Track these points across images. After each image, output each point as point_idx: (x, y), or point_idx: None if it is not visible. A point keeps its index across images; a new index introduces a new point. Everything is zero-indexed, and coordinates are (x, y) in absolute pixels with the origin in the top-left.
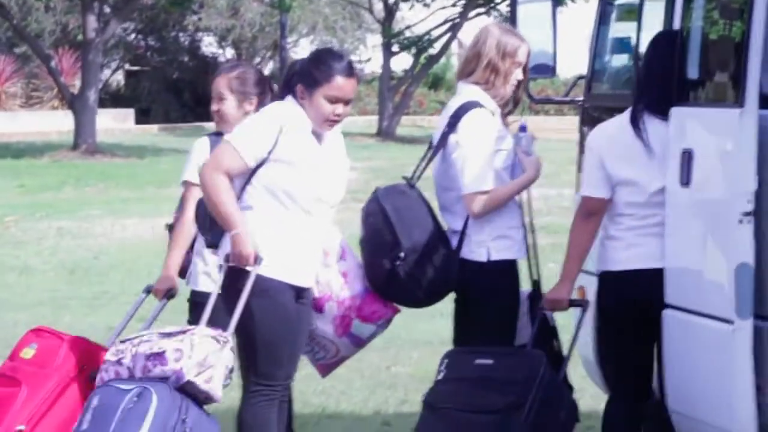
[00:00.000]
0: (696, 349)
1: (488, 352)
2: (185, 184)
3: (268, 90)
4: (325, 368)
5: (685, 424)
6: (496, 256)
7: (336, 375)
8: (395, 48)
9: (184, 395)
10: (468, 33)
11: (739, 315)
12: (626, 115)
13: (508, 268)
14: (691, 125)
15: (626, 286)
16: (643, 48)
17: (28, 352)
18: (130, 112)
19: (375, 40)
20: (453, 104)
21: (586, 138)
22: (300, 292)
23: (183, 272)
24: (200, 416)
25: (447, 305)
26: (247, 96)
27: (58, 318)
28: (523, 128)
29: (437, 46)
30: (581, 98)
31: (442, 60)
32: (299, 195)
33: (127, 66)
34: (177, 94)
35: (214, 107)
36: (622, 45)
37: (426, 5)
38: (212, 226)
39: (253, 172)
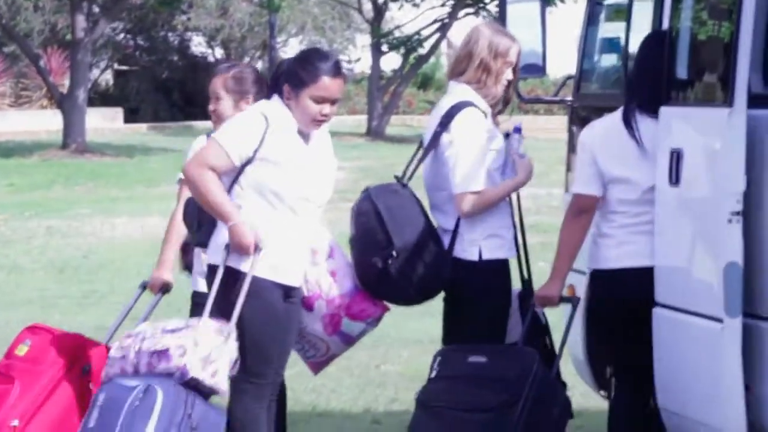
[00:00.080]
0: (685, 347)
1: (481, 350)
2: (180, 182)
3: (265, 89)
4: (317, 366)
5: (674, 422)
6: (488, 255)
7: (326, 373)
8: (384, 48)
9: (189, 390)
10: (457, 33)
11: (728, 313)
12: (619, 113)
13: (500, 267)
14: (680, 125)
15: (617, 284)
16: (632, 48)
17: (22, 349)
18: (119, 112)
19: (364, 39)
20: (444, 103)
21: (578, 136)
22: (289, 291)
23: (190, 267)
24: (206, 410)
25: (437, 304)
26: (244, 95)
27: (47, 317)
28: (517, 129)
29: (426, 46)
30: (570, 98)
31: (432, 60)
32: (286, 194)
33: (116, 65)
34: (166, 93)
35: (210, 107)
36: (611, 45)
37: (415, 5)
38: (200, 225)
39: (240, 171)
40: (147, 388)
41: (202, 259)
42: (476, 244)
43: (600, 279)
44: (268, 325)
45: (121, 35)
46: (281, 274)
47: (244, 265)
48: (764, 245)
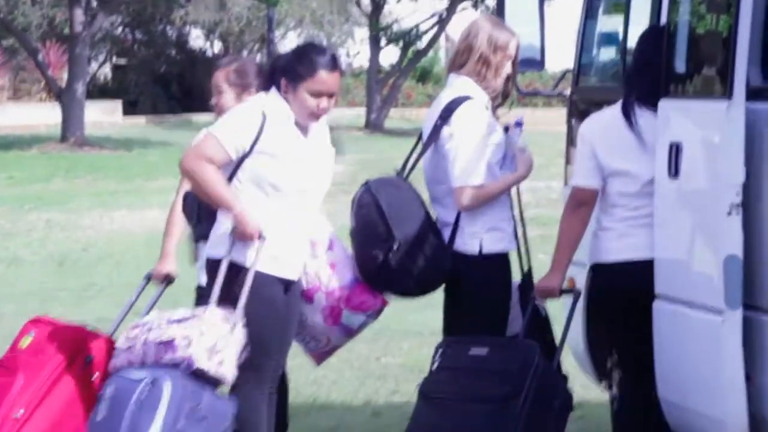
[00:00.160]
0: (686, 339)
1: (483, 342)
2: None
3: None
4: (319, 357)
5: (675, 413)
6: (488, 248)
7: (327, 365)
8: (383, 42)
9: (196, 380)
10: (455, 27)
11: (728, 305)
12: (618, 106)
13: (501, 259)
14: (679, 118)
15: (618, 275)
16: (630, 41)
17: (25, 341)
18: (117, 105)
19: (363, 33)
20: (444, 96)
21: (578, 128)
22: (288, 284)
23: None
24: (214, 400)
25: (437, 296)
26: (246, 88)
27: (46, 310)
28: (519, 123)
29: (425, 40)
30: (569, 91)
31: (430, 53)
32: (284, 187)
33: (114, 59)
34: (165, 86)
35: (213, 100)
36: (609, 38)
37: None
38: (200, 218)
39: (238, 165)
40: (154, 381)
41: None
42: (477, 237)
43: (601, 272)
44: (268, 318)
45: (120, 29)
46: (281, 267)
47: (246, 259)
48: (764, 237)
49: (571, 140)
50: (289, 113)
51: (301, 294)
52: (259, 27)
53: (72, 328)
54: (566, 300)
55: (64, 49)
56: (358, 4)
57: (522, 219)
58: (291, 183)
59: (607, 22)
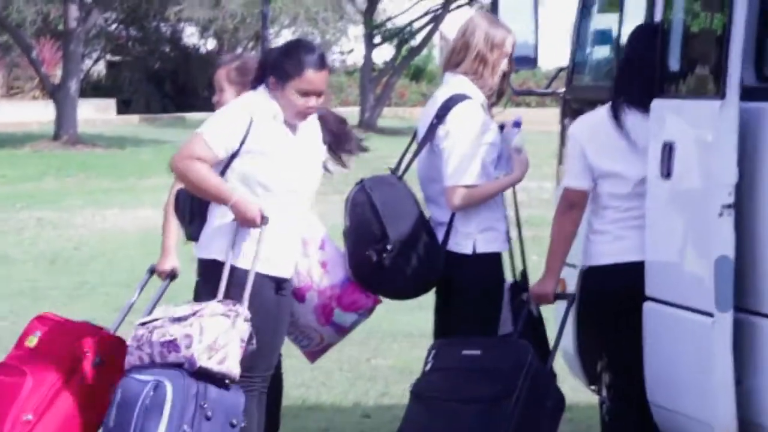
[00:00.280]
0: (676, 341)
1: (476, 343)
2: None
3: None
4: (312, 355)
5: (665, 417)
6: (482, 249)
7: (316, 367)
8: (377, 39)
9: (201, 379)
10: (450, 25)
11: (719, 308)
12: (607, 107)
13: (494, 260)
14: (671, 117)
15: (611, 278)
16: (624, 40)
17: (32, 341)
18: (111, 103)
19: (357, 31)
20: (440, 95)
21: (568, 129)
22: (280, 283)
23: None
24: (220, 395)
25: (428, 297)
26: (247, 86)
27: (38, 308)
28: (517, 124)
29: (419, 38)
30: (563, 90)
31: (424, 52)
32: (274, 186)
33: (108, 56)
34: (158, 84)
35: (214, 99)
36: (604, 37)
37: None
38: (192, 218)
39: (228, 165)
40: (157, 384)
41: None
42: (471, 238)
43: (594, 275)
44: (259, 318)
45: (114, 26)
46: (272, 266)
47: (240, 261)
48: (756, 238)
49: (564, 140)
50: (278, 111)
51: (293, 293)
52: (253, 24)
53: (80, 326)
54: (559, 302)
55: (58, 46)
56: (353, 1)
57: (518, 220)
58: (280, 182)
59: (602, 21)
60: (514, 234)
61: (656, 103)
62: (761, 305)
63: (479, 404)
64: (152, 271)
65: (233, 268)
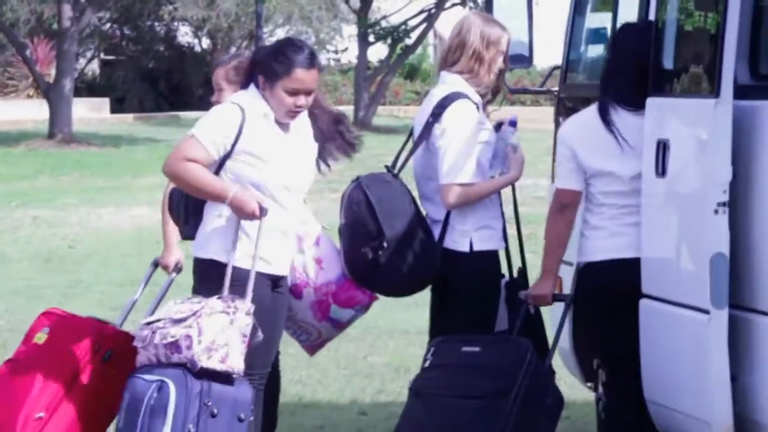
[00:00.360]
0: (672, 338)
1: (475, 340)
2: None
3: None
4: (311, 348)
5: (661, 414)
6: (478, 247)
7: (313, 364)
8: (371, 38)
9: (204, 378)
10: (444, 23)
11: (714, 305)
12: (595, 106)
13: (491, 258)
14: (666, 115)
15: (608, 274)
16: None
17: (41, 337)
18: (105, 102)
19: (351, 30)
20: (436, 94)
21: (558, 131)
22: (276, 281)
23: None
24: (225, 392)
25: (424, 295)
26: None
27: (33, 307)
28: (512, 123)
29: (413, 37)
30: (557, 88)
31: (418, 50)
32: (267, 185)
33: (102, 55)
34: (152, 83)
35: (213, 98)
36: (598, 35)
37: None
38: (187, 217)
39: (221, 165)
40: (161, 386)
41: None
42: (467, 236)
43: (591, 271)
44: (256, 315)
45: (108, 25)
46: (268, 264)
47: (239, 260)
48: (750, 236)
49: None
50: (268, 110)
51: (290, 289)
52: (247, 23)
53: (88, 321)
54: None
55: (52, 45)
56: (347, 0)
57: (517, 218)
58: (273, 181)
59: (596, 19)
60: (510, 231)
61: (651, 102)
62: (756, 302)
63: (478, 401)
64: (156, 264)
65: (226, 266)
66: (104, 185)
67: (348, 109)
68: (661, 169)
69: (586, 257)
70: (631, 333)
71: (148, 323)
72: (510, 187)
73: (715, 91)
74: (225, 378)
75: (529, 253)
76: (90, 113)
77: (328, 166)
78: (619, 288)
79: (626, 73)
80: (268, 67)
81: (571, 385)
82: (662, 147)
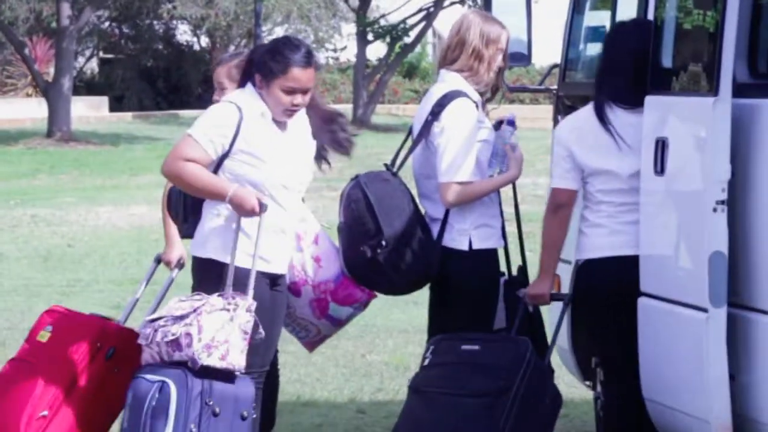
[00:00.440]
0: (670, 337)
1: (475, 338)
2: None
3: None
4: (311, 345)
5: (659, 412)
6: (477, 245)
7: (311, 363)
8: (370, 36)
9: (205, 376)
10: (443, 22)
11: (713, 303)
12: (591, 105)
13: (489, 256)
14: (665, 114)
15: (607, 271)
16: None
17: (44, 335)
18: (104, 100)
19: (350, 28)
20: (435, 92)
21: (554, 131)
22: (275, 279)
23: None
24: (227, 390)
25: (423, 293)
26: None
27: (31, 305)
28: (511, 122)
29: (412, 35)
30: (556, 87)
31: (417, 49)
32: (265, 184)
33: (101, 54)
34: (151, 82)
35: (215, 97)
36: (596, 33)
37: None
38: (186, 216)
39: (219, 165)
40: (162, 386)
41: None
42: (466, 234)
43: (589, 268)
44: (255, 315)
45: (107, 23)
46: (266, 263)
47: (238, 259)
48: (749, 234)
49: None
50: (265, 109)
51: (289, 287)
52: (246, 22)
53: (91, 319)
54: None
55: (50, 44)
56: None
57: (517, 217)
58: (271, 180)
59: (594, 18)
60: (509, 230)
61: (650, 100)
62: (755, 300)
63: (478, 399)
64: (159, 260)
65: (224, 265)
66: (103, 184)
67: (347, 108)
68: (660, 168)
69: (584, 254)
70: (629, 331)
71: (151, 321)
72: (510, 186)
73: (714, 90)
74: (226, 376)
75: (528, 251)
76: (89, 112)
77: (329, 164)
78: (617, 286)
79: (623, 72)
80: (264, 65)
81: (570, 384)
82: (661, 145)
